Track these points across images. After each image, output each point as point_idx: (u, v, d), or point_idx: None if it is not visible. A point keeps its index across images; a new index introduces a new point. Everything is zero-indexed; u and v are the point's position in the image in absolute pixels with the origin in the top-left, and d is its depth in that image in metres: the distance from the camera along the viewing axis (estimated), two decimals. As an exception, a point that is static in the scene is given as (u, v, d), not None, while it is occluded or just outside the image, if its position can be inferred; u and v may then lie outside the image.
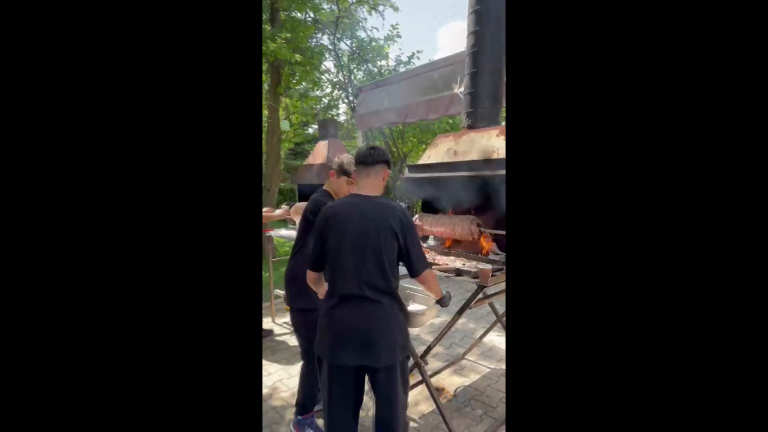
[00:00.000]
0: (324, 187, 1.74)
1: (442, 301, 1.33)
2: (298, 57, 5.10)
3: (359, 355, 1.13)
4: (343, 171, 1.68)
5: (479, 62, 1.90)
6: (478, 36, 1.90)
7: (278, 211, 3.43)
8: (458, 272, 1.59)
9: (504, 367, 2.41)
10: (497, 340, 2.77)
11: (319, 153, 3.26)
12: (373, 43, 6.05)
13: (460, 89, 3.43)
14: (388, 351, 1.14)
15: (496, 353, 2.62)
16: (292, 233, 3.12)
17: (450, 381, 2.26)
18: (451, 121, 5.99)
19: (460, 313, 1.56)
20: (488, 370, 2.38)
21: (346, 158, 1.71)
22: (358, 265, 1.14)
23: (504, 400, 2.04)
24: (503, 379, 2.26)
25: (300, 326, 1.72)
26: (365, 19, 6.45)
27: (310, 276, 1.32)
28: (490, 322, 2.55)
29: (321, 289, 1.35)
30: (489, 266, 1.50)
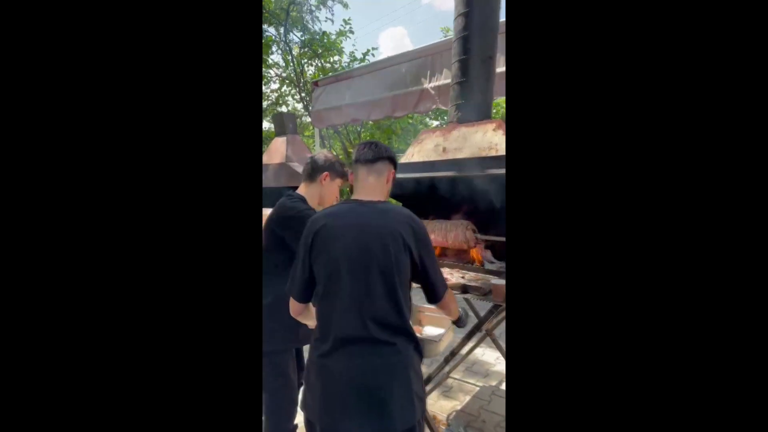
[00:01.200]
0: (299, 191, 1.39)
1: (459, 322, 1.09)
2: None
3: (367, 420, 0.83)
4: (340, 172, 1.36)
5: (469, 47, 1.71)
6: (468, 18, 1.70)
7: None
8: (464, 289, 1.37)
9: (492, 384, 2.25)
10: (479, 352, 2.61)
11: (277, 151, 2.88)
12: (325, 39, 5.72)
13: (430, 84, 3.26)
14: (406, 410, 0.84)
15: (480, 368, 2.46)
16: None
17: (439, 406, 2.04)
18: (411, 121, 5.84)
19: (469, 336, 1.34)
20: (476, 388, 2.20)
21: (332, 156, 1.40)
22: (361, 294, 0.85)
23: (501, 424, 1.86)
24: (495, 399, 2.09)
25: (266, 377, 1.30)
26: (316, 10, 6.10)
27: (295, 307, 1.00)
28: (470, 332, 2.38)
29: (310, 320, 1.04)
30: (502, 281, 1.30)
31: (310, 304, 1.01)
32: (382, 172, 0.99)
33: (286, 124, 2.86)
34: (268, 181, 2.79)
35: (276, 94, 6.39)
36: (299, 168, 2.69)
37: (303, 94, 5.89)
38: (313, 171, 1.36)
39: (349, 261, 0.86)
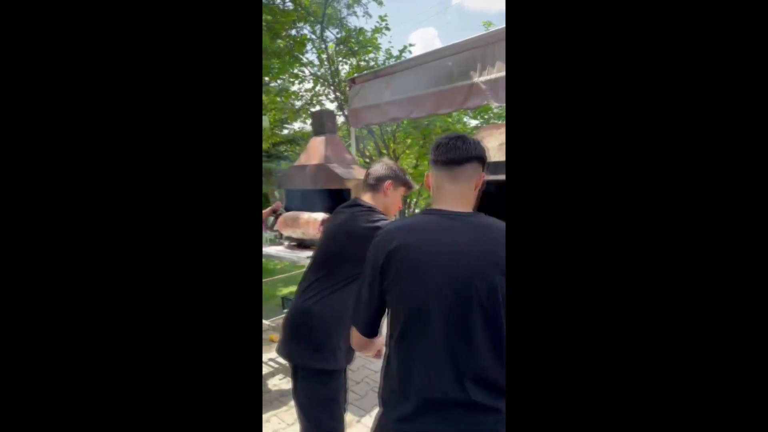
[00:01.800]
0: (364, 200, 1.25)
1: None
2: (281, 42, 4.55)
3: None
4: (403, 180, 1.25)
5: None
6: None
7: (265, 210, 2.88)
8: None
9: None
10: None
11: (315, 151, 2.73)
12: (361, 37, 5.57)
13: (480, 78, 3.01)
14: None
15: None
16: (284, 253, 2.57)
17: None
18: (450, 119, 5.58)
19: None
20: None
21: (393, 163, 1.28)
22: (458, 343, 0.66)
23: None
24: None
25: (312, 400, 1.19)
26: (354, 5, 5.98)
27: (359, 341, 0.83)
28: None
29: (372, 352, 0.89)
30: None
31: (378, 338, 0.81)
32: (472, 177, 0.79)
33: (325, 123, 2.71)
34: (306, 182, 2.65)
35: (310, 94, 6.32)
36: (338, 169, 2.51)
37: (337, 94, 5.78)
38: (376, 180, 1.24)
39: (439, 298, 0.67)
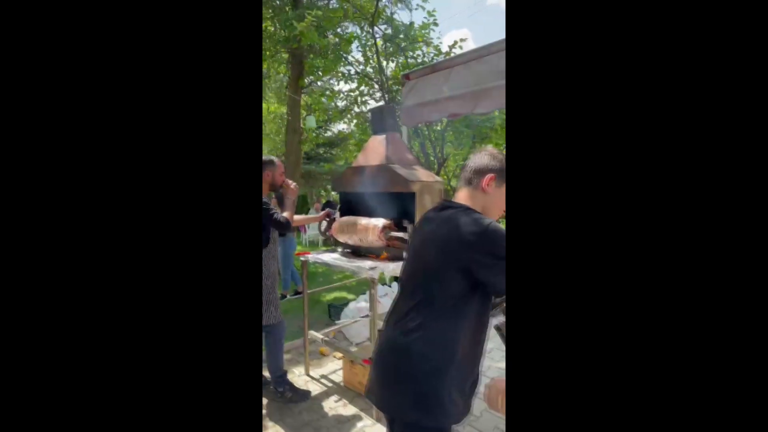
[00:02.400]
0: (459, 200, 1.05)
1: None
2: (332, 38, 4.43)
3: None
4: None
5: None
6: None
7: (317, 214, 2.70)
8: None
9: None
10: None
11: (375, 151, 2.51)
12: (412, 32, 5.34)
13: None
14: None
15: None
16: (339, 261, 2.37)
17: None
18: (497, 113, 5.19)
19: None
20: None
21: (498, 153, 1.05)
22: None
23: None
24: None
25: None
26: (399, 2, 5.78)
27: None
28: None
29: None
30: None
31: None
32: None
33: (385, 120, 2.49)
34: (364, 185, 2.44)
35: (355, 93, 6.18)
36: (402, 170, 2.27)
37: (383, 93, 5.58)
38: (474, 174, 1.03)
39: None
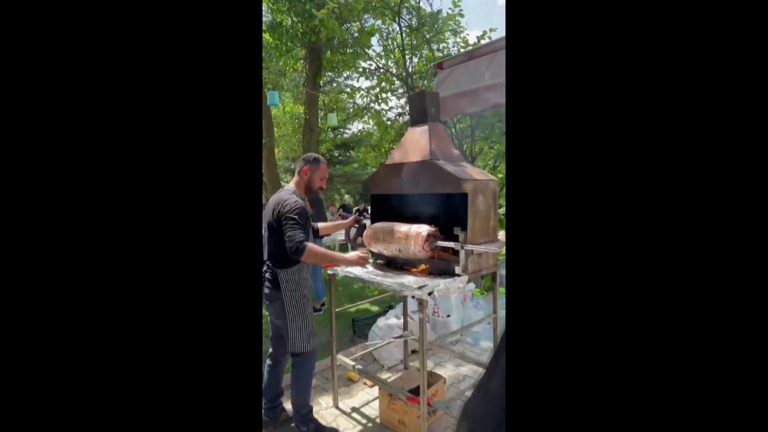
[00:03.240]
0: None
1: None
2: (356, 26, 4.14)
3: None
4: None
5: None
6: None
7: (346, 221, 2.35)
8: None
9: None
10: None
11: (415, 145, 2.14)
12: (438, 22, 4.99)
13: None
14: None
15: None
16: (373, 276, 2.01)
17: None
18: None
19: None
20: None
21: None
22: None
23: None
24: None
25: None
26: (424, -8, 5.43)
27: None
28: None
29: None
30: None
31: None
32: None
33: (427, 108, 2.12)
34: (403, 186, 2.07)
35: (375, 90, 5.84)
36: (449, 167, 1.90)
37: (407, 89, 5.22)
38: None
39: None
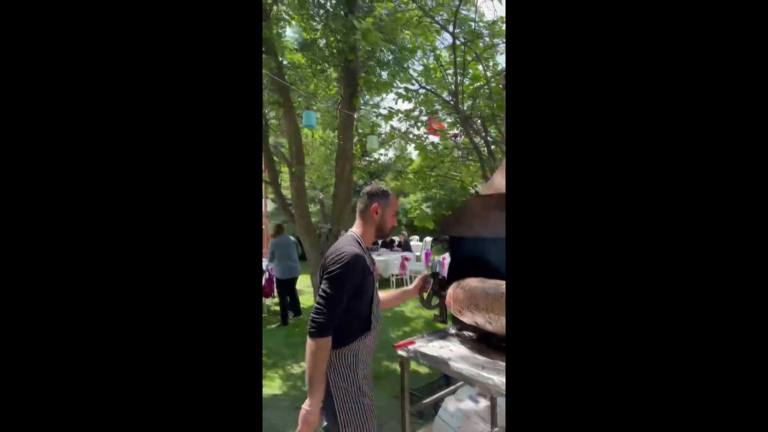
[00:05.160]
0: None
1: None
2: (406, 33, 3.69)
3: None
4: None
5: None
6: None
7: (411, 285, 1.71)
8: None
9: None
10: None
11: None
12: (495, 33, 4.51)
13: None
14: None
15: None
16: (461, 364, 1.29)
17: None
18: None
19: None
20: None
21: None
22: None
23: None
24: None
25: None
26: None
27: None
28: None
29: None
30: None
31: None
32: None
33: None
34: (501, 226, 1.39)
35: (416, 113, 5.34)
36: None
37: (458, 113, 4.68)
38: None
39: None
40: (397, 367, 3.55)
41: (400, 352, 1.58)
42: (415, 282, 1.72)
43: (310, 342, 1.28)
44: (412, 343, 1.58)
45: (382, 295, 1.63)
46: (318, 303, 1.31)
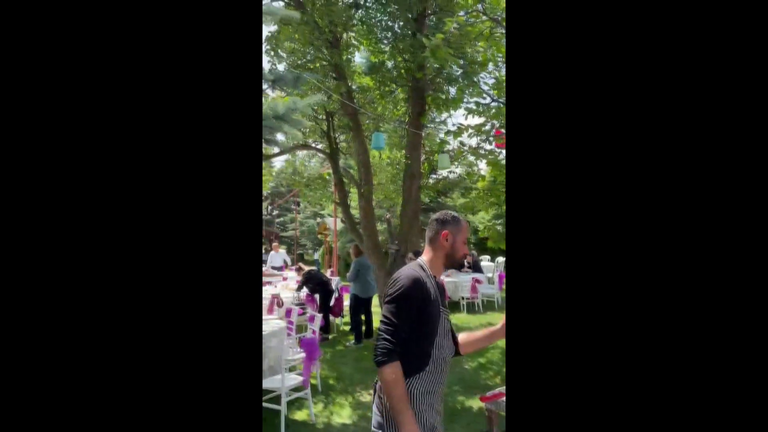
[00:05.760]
0: None
1: None
2: (479, 48, 3.55)
3: None
4: None
5: None
6: None
7: (499, 324, 1.48)
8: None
9: None
10: None
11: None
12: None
13: None
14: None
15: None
16: None
17: None
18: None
19: None
20: None
21: None
22: None
23: None
24: None
25: None
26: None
27: None
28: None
29: None
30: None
31: None
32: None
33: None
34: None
35: (487, 128, 5.10)
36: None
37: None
38: None
39: None
40: (473, 403, 3.25)
41: (488, 406, 1.37)
42: (504, 321, 1.50)
43: (380, 372, 1.19)
44: (501, 396, 1.36)
45: (464, 335, 1.45)
46: (380, 329, 1.23)
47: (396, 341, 1.18)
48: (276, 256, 9.15)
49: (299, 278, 5.77)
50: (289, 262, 9.46)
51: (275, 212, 19.77)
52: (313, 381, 3.42)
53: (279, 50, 4.74)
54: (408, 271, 1.28)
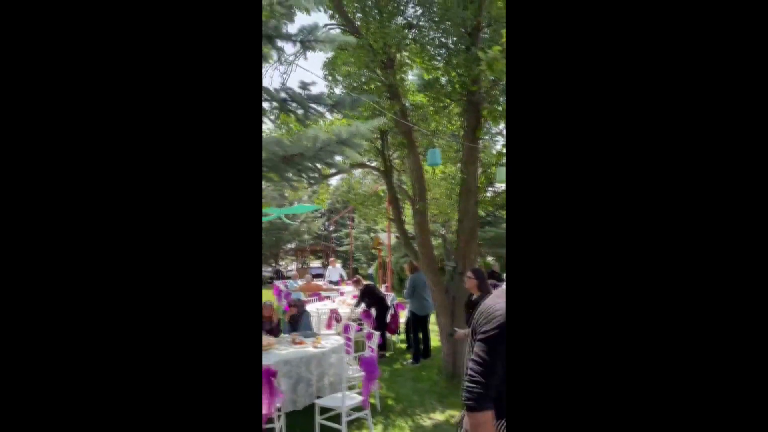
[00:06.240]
0: None
1: None
2: None
3: None
4: None
5: None
6: None
7: None
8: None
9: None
10: None
11: None
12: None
13: None
14: None
15: None
16: None
17: None
18: None
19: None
20: None
21: None
22: None
23: None
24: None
25: None
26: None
27: None
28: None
29: None
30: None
31: None
32: None
33: None
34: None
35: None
36: None
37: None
38: None
39: None
40: None
41: None
42: None
43: (470, 416, 1.11)
44: None
45: None
46: (472, 369, 1.14)
47: (490, 384, 1.10)
48: (333, 271, 9.36)
49: (357, 292, 5.84)
50: (345, 277, 9.63)
51: (331, 228, 20.40)
52: (372, 401, 3.39)
53: (336, 74, 4.95)
54: (502, 303, 1.16)
